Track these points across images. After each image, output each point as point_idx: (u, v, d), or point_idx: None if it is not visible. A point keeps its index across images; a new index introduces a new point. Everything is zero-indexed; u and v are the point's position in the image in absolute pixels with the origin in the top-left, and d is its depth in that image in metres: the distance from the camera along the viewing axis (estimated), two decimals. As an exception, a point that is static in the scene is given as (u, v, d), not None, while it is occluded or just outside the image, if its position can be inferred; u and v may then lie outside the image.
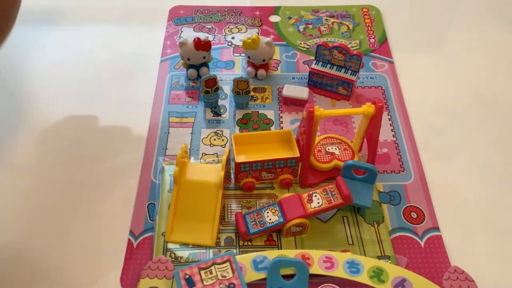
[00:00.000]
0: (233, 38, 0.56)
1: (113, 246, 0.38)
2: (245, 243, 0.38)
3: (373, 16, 0.59)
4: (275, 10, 0.60)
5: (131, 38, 0.57)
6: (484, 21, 0.60)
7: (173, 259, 0.37)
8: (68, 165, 0.44)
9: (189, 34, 0.56)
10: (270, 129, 0.47)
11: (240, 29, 0.57)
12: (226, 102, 0.49)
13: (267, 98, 0.50)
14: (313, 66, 0.49)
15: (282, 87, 0.49)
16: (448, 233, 0.39)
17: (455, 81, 0.52)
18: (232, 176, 0.42)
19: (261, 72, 0.51)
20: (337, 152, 0.43)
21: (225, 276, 0.32)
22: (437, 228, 0.40)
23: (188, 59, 0.49)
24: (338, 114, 0.41)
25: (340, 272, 0.34)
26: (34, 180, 0.43)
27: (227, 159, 0.40)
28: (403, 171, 0.44)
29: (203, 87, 0.46)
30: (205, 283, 0.32)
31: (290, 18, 0.59)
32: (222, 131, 0.46)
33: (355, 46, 0.55)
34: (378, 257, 0.37)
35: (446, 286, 0.34)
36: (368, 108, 0.40)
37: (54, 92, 0.50)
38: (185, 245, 0.38)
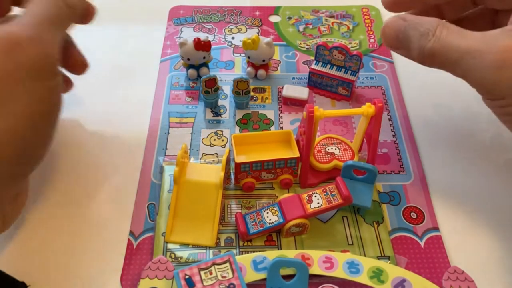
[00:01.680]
0: (233, 38, 0.56)
1: (113, 246, 0.38)
2: (245, 244, 0.38)
3: (373, 16, 0.59)
4: (275, 10, 0.60)
5: (131, 38, 0.57)
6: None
7: (173, 260, 0.37)
8: (67, 165, 0.44)
9: (189, 34, 0.56)
10: (270, 129, 0.47)
11: (240, 29, 0.57)
12: (226, 102, 0.49)
13: (267, 98, 0.50)
14: (313, 66, 0.49)
15: (282, 87, 0.49)
16: (448, 233, 0.40)
17: (455, 81, 0.52)
18: (232, 176, 0.42)
19: (261, 72, 0.51)
20: (337, 152, 0.43)
21: (225, 277, 0.32)
22: (437, 229, 0.40)
23: (188, 59, 0.49)
24: (338, 114, 0.41)
25: (340, 272, 0.34)
26: (32, 181, 0.42)
27: (227, 159, 0.40)
28: (403, 171, 0.44)
29: (203, 87, 0.46)
30: (205, 283, 0.32)
31: (290, 18, 0.59)
32: (222, 131, 0.46)
33: (355, 46, 0.55)
34: (378, 257, 0.37)
35: (446, 286, 0.34)
36: (368, 108, 0.40)
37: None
38: (185, 245, 0.38)
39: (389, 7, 0.42)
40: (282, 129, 0.47)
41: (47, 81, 0.32)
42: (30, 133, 0.31)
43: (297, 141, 0.42)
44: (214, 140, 0.46)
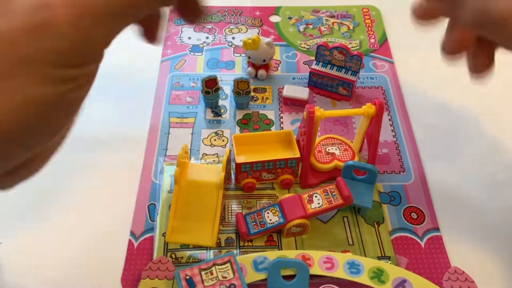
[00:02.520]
0: (233, 38, 0.56)
1: (113, 246, 0.38)
2: (246, 244, 0.38)
3: (373, 16, 0.59)
4: (275, 10, 0.60)
5: (131, 38, 0.56)
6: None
7: (174, 260, 0.37)
8: (68, 165, 0.44)
9: (189, 34, 0.56)
10: (271, 130, 0.47)
11: (240, 29, 0.57)
12: (226, 102, 0.49)
13: (267, 98, 0.50)
14: (314, 66, 0.49)
15: (283, 88, 0.49)
16: (448, 233, 0.40)
17: (455, 81, 0.52)
18: (233, 176, 0.42)
19: (262, 72, 0.51)
20: (337, 152, 0.43)
21: (225, 277, 0.32)
22: (437, 229, 0.40)
23: None
24: (338, 114, 0.41)
25: (340, 272, 0.34)
26: (32, 181, 0.42)
27: (228, 160, 0.40)
28: (403, 172, 0.44)
29: (204, 88, 0.46)
30: (205, 284, 0.32)
31: (290, 18, 0.59)
32: (222, 131, 0.46)
33: (355, 47, 0.55)
34: (379, 258, 0.37)
35: (446, 287, 0.34)
36: (368, 108, 0.40)
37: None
38: (185, 245, 0.38)
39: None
40: (282, 129, 0.47)
41: (80, 68, 0.24)
42: (32, 121, 0.23)
43: (298, 141, 0.42)
44: (215, 140, 0.46)
